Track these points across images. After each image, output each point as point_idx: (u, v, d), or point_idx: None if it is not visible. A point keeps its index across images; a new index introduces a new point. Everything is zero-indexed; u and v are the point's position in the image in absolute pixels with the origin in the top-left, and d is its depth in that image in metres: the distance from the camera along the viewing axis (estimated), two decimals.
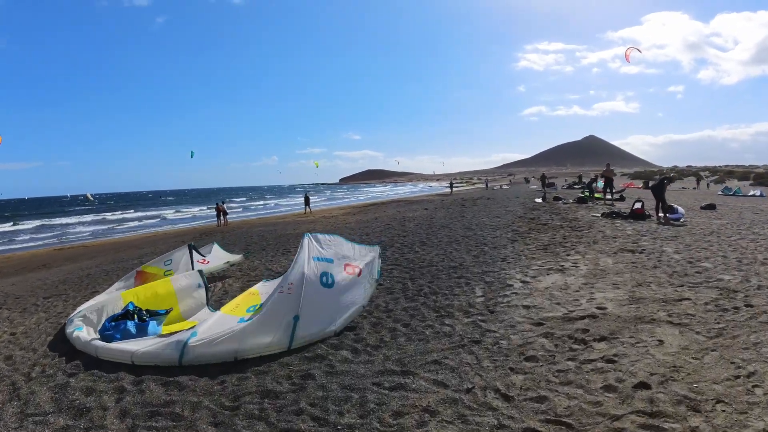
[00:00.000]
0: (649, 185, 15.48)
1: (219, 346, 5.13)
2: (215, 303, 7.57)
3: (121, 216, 56.59)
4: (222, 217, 32.85)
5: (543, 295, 6.74)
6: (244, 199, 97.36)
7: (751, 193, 33.72)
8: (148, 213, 60.28)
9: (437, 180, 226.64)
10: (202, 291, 7.42)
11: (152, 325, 6.34)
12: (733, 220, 14.66)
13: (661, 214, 14.97)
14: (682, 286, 6.95)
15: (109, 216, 57.58)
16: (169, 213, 58.43)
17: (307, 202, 38.09)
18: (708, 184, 55.17)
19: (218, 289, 9.14)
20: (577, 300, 6.43)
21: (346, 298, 6.00)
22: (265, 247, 14.66)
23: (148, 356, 5.18)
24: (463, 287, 7.48)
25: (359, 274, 6.27)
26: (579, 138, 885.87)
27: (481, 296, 6.91)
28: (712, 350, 4.67)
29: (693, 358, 4.53)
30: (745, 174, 68.68)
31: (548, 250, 10.33)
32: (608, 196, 23.43)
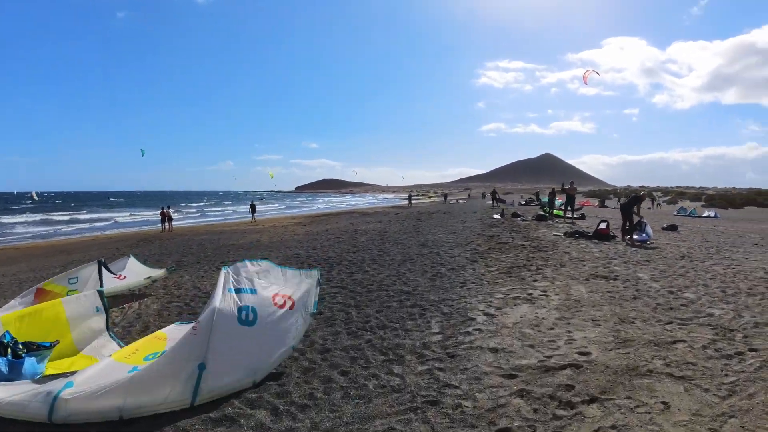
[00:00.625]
0: (620, 201, 14.71)
1: (100, 400, 3.83)
2: (124, 330, 6.13)
3: (67, 217, 52.52)
4: (167, 222, 30.86)
5: (512, 334, 5.57)
6: (202, 203, 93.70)
7: (706, 214, 34.14)
8: (94, 215, 56.41)
9: (393, 192, 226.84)
10: (102, 317, 5.97)
11: (30, 363, 4.84)
12: (699, 243, 14.04)
13: (628, 237, 14.25)
14: (671, 323, 5.93)
15: (55, 216, 53.36)
16: (118, 215, 54.85)
17: (253, 210, 36.33)
18: (659, 204, 56.11)
19: (131, 311, 7.64)
20: (554, 341, 5.28)
21: (271, 338, 4.65)
22: (201, 260, 13.14)
23: (12, 408, 3.89)
24: (417, 320, 6.24)
25: (291, 307, 4.92)
26: (536, 155, 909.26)
27: (439, 333, 5.68)
28: (730, 416, 3.63)
29: (710, 429, 3.45)
30: (696, 195, 70.65)
31: (512, 273, 9.25)
32: (568, 214, 22.88)
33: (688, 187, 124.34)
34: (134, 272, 9.27)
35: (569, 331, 5.61)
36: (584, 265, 9.97)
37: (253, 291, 4.72)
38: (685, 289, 7.68)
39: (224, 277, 4.76)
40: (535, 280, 8.51)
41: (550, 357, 4.83)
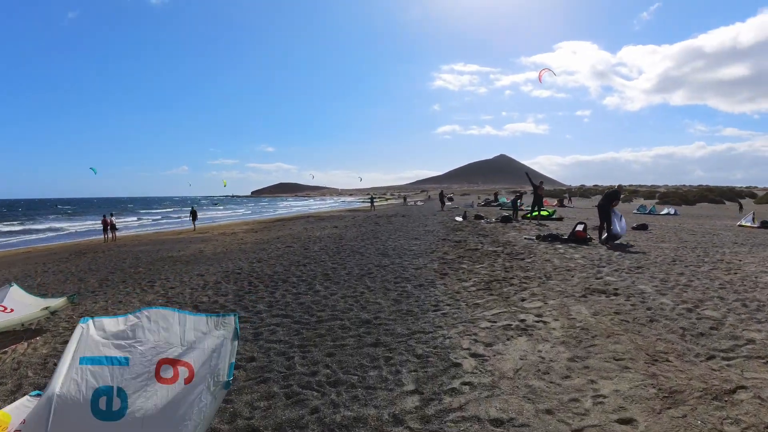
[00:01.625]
0: (599, 203, 13.38)
1: None
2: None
3: (3, 228, 47.23)
4: (110, 231, 28.23)
5: (516, 390, 3.97)
6: (155, 210, 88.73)
7: (665, 211, 33.98)
8: (33, 226, 50.90)
9: (350, 195, 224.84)
10: None
11: None
12: (679, 244, 12.96)
13: (605, 236, 13.06)
14: (713, 357, 4.51)
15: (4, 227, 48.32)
16: (60, 225, 50.04)
17: (193, 217, 33.87)
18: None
19: (12, 357, 5.74)
20: (577, 400, 3.73)
21: None
22: (128, 278, 11.13)
23: None
24: (381, 368, 4.56)
25: (189, 380, 3.09)
26: (491, 156, 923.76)
27: (414, 391, 4.02)
28: None
29: None
30: (650, 193, 71.60)
31: (493, 290, 7.72)
32: (534, 214, 21.85)
33: (640, 186, 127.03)
34: (23, 303, 7.27)
35: (592, 380, 4.08)
36: (572, 276, 8.56)
37: (124, 360, 2.95)
38: (702, 305, 6.33)
39: (78, 337, 3.00)
40: (523, 299, 6.99)
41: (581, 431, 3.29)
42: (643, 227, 17.94)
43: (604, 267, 9.43)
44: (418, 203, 67.34)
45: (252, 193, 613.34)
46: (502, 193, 77.65)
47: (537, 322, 5.85)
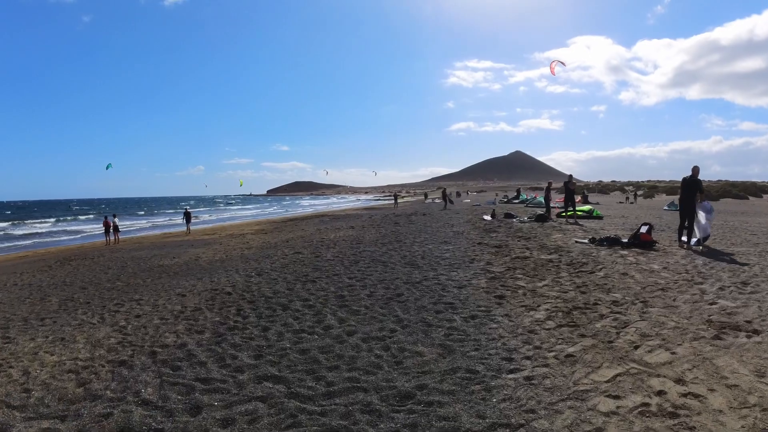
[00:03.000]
0: (681, 196, 11.00)
1: None
2: None
3: (27, 230, 44.78)
4: (113, 233, 26.50)
5: None
6: (171, 211, 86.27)
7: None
8: (32, 230, 48.69)
9: (366, 192, 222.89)
10: None
11: None
12: (754, 247, 10.65)
13: (684, 239, 10.77)
14: None
15: (8, 229, 46.34)
16: (68, 227, 47.87)
17: (187, 218, 31.12)
18: (632, 198, 53.35)
19: None
20: None
21: None
22: (95, 297, 9.00)
23: None
24: None
25: None
26: (506, 153, 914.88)
27: None
28: None
29: None
30: (671, 188, 68.07)
31: (580, 325, 5.39)
32: (570, 212, 19.42)
33: (659, 181, 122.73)
34: None
35: None
36: (674, 300, 6.24)
37: None
38: None
39: None
40: (634, 345, 4.66)
41: None
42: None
43: (702, 284, 7.11)
44: (436, 200, 64.98)
45: (267, 192, 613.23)
46: (524, 189, 74.89)
47: (684, 395, 3.55)
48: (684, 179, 11.31)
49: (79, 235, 37.46)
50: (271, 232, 24.61)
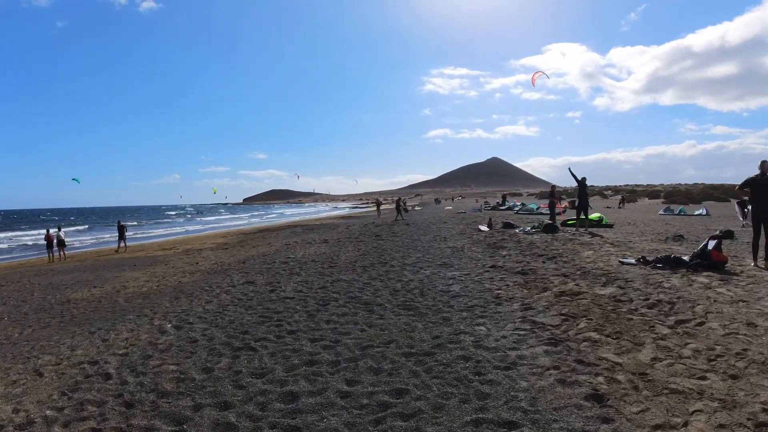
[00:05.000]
0: (752, 204, 7.87)
1: None
2: None
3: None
4: (57, 249, 23.03)
5: None
6: (151, 221, 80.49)
7: (697, 212, 29.53)
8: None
9: (343, 200, 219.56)
10: None
11: None
12: None
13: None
14: None
15: None
16: (24, 237, 42.77)
17: (120, 233, 26.75)
18: (621, 203, 51.16)
19: None
20: None
21: None
22: None
23: None
24: None
25: None
26: (483, 160, 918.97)
27: None
28: None
29: None
30: (652, 192, 66.04)
31: None
32: (581, 218, 16.64)
33: (636, 185, 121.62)
34: None
35: None
36: None
37: None
38: None
39: None
40: None
41: None
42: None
43: None
44: (416, 208, 61.98)
45: (244, 200, 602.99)
46: (498, 195, 72.19)
47: None
48: (754, 180, 8.41)
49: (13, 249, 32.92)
50: (233, 246, 21.20)
